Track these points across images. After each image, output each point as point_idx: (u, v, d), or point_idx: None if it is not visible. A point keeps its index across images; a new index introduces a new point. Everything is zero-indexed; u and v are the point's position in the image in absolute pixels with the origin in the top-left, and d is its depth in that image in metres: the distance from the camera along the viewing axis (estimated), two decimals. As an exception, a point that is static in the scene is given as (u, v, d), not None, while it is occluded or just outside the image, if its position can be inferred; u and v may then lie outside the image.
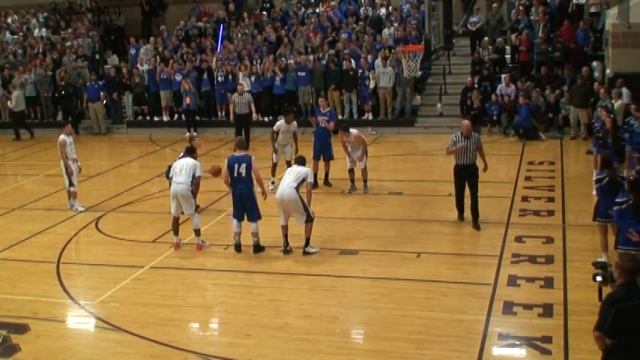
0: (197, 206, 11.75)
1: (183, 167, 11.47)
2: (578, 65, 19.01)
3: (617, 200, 8.81)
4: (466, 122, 12.04)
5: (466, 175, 11.79)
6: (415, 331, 8.33)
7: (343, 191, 14.33)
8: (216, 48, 22.44)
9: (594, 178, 10.60)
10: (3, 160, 20.53)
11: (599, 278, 7.50)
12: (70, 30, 26.39)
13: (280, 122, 14.79)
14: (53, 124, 23.52)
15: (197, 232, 11.62)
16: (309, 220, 10.91)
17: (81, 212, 13.99)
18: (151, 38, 24.78)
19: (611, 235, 9.60)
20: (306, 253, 11.01)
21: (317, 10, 24.45)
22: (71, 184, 14.10)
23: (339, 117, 20.94)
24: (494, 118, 19.34)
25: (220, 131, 21.33)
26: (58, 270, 11.04)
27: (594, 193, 13.03)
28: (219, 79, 21.76)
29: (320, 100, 15.94)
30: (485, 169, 12.06)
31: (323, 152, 14.76)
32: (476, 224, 11.74)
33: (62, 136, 13.97)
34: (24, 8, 28.83)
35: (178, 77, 22.14)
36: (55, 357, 8.35)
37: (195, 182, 11.47)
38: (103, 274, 10.86)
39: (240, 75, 21.39)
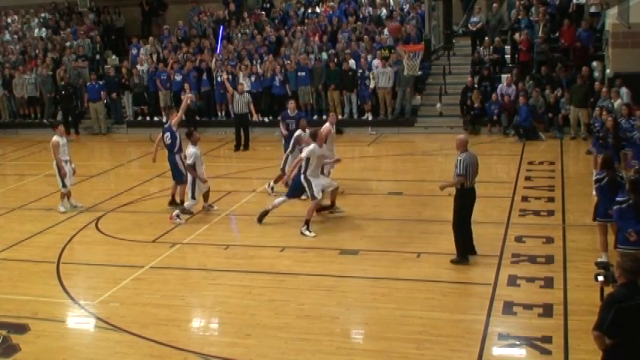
0: (193, 193, 12.72)
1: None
2: (579, 65, 19.02)
3: (617, 199, 8.81)
4: (460, 137, 10.45)
5: (473, 200, 10.27)
6: (415, 331, 8.33)
7: (343, 191, 14.31)
8: (215, 48, 22.42)
9: (594, 178, 10.60)
10: (3, 160, 20.53)
11: (600, 278, 7.50)
12: (69, 30, 26.38)
13: (299, 132, 14.31)
14: (53, 124, 23.57)
15: (182, 210, 12.89)
16: (314, 198, 11.87)
17: (64, 212, 13.95)
18: (150, 38, 24.79)
19: (611, 234, 9.60)
20: (302, 234, 11.75)
21: (317, 10, 24.45)
22: (64, 185, 13.99)
23: (339, 117, 21.01)
24: (495, 118, 19.34)
25: (220, 131, 21.34)
26: (58, 270, 11.03)
27: (594, 193, 13.07)
28: (219, 79, 21.77)
29: (290, 102, 15.76)
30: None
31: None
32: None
33: (55, 137, 13.87)
34: (24, 8, 28.82)
35: (178, 77, 22.14)
36: (55, 357, 8.35)
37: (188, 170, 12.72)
38: (103, 274, 10.86)
39: (241, 75, 21.39)
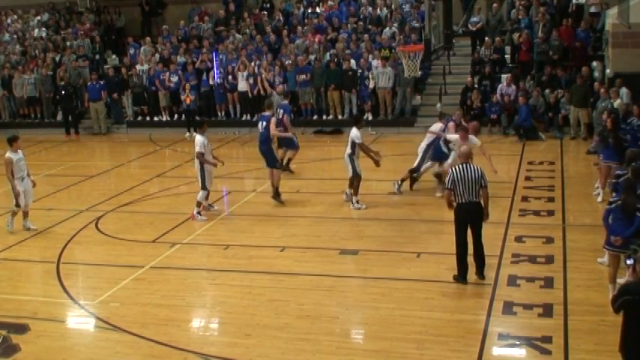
0: (203, 183, 13.02)
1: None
2: (579, 65, 19.02)
3: (610, 200, 8.81)
4: (464, 148, 10.12)
5: (469, 216, 9.49)
6: (415, 331, 8.34)
7: (343, 191, 14.30)
8: (213, 75, 22.17)
9: (615, 172, 10.50)
10: (3, 160, 20.49)
11: (629, 262, 7.55)
12: (70, 30, 26.36)
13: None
14: (53, 124, 23.60)
15: (197, 203, 13.11)
16: (355, 176, 13.20)
17: (32, 230, 12.94)
18: (147, 38, 24.75)
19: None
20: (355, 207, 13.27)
21: (317, 10, 24.44)
22: (17, 204, 12.78)
23: (339, 117, 21.04)
24: (494, 118, 19.34)
25: (220, 131, 21.35)
26: (58, 270, 11.03)
27: (594, 193, 13.08)
28: (218, 80, 21.75)
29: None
30: (485, 216, 9.67)
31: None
32: (480, 273, 9.71)
33: (8, 154, 12.63)
34: (24, 8, 28.82)
35: (174, 78, 22.11)
36: (55, 357, 8.35)
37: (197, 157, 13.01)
38: (103, 274, 10.86)
39: (239, 75, 21.39)
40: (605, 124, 13.21)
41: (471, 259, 9.63)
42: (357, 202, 13.31)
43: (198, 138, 13.10)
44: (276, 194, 13.70)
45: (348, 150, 13.23)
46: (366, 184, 14.50)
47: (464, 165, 9.53)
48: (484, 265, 9.71)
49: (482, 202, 9.55)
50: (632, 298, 5.84)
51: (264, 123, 13.68)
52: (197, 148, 13.00)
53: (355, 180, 13.30)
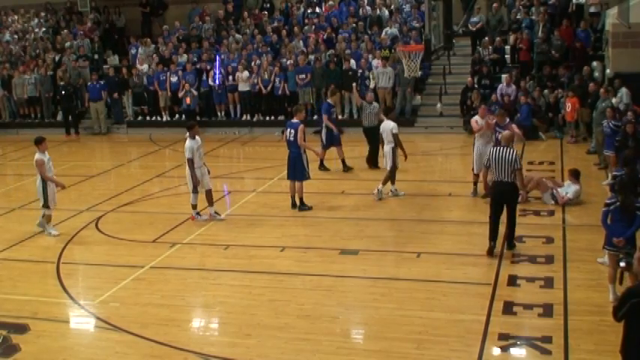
0: (195, 187, 12.73)
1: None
2: (579, 65, 19.02)
3: (606, 202, 8.81)
4: (506, 132, 11.10)
5: (501, 195, 10.35)
6: (415, 331, 8.34)
7: (343, 191, 14.31)
8: (214, 79, 22.15)
9: (612, 173, 10.54)
10: (3, 160, 20.52)
11: (622, 264, 7.54)
12: (70, 31, 26.35)
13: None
14: (53, 124, 23.59)
15: (192, 206, 12.98)
16: (395, 168, 13.80)
17: (55, 235, 12.64)
18: (146, 39, 24.74)
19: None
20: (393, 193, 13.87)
21: (317, 10, 24.44)
22: (48, 206, 12.58)
23: (339, 117, 21.01)
24: (495, 118, 19.31)
25: (220, 131, 21.35)
26: (58, 270, 11.03)
27: (606, 182, 12.89)
28: (217, 82, 21.76)
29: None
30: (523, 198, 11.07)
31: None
32: (509, 244, 10.64)
33: (38, 155, 12.57)
34: (24, 8, 28.82)
35: (174, 79, 22.11)
36: (55, 357, 8.35)
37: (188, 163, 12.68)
38: (103, 274, 10.86)
39: (240, 75, 21.39)
40: (625, 130, 13.14)
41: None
42: (396, 189, 13.93)
43: (188, 143, 12.55)
44: (302, 204, 13.26)
45: (392, 144, 13.69)
46: (366, 184, 14.56)
47: (501, 147, 10.45)
48: (513, 237, 10.65)
49: (517, 183, 10.37)
50: (637, 301, 5.81)
51: (293, 131, 12.97)
52: (186, 154, 12.54)
53: (393, 172, 13.80)
